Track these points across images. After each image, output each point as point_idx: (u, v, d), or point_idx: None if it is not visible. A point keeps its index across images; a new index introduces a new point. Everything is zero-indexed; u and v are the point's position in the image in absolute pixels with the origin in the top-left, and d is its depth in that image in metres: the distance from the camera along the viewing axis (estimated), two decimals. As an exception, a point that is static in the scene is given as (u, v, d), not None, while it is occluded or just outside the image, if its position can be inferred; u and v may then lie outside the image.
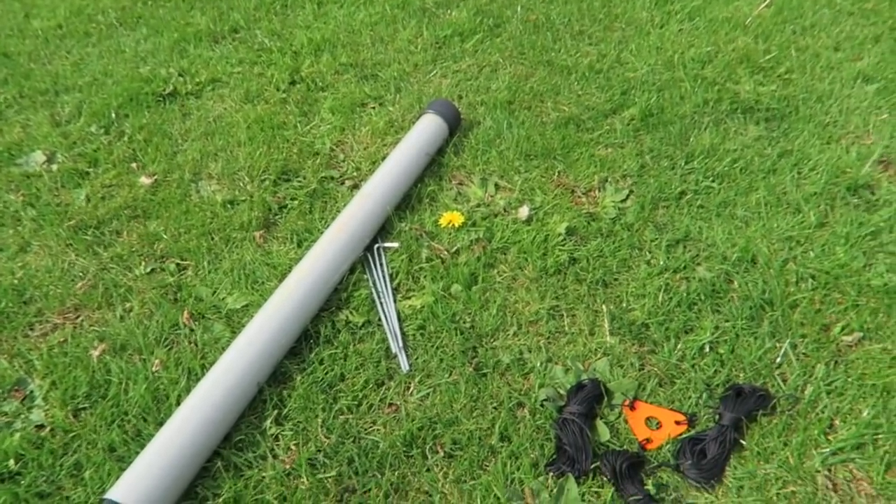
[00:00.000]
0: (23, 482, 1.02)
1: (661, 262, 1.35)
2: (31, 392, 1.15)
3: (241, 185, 1.55)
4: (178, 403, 1.10)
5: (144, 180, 1.56)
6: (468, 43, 2.03)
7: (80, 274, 1.35)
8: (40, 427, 1.10)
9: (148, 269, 1.36)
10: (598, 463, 1.03)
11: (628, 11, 2.16)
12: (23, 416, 1.12)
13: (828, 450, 1.05)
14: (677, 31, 2.05)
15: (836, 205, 1.47)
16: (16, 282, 1.34)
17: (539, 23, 2.12)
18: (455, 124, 1.65)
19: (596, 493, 1.01)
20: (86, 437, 1.08)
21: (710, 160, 1.58)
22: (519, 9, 2.18)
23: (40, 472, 1.04)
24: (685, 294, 1.28)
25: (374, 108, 1.80)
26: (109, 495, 0.94)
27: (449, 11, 2.20)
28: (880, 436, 1.07)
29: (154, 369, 1.17)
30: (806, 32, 2.04)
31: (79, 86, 1.91)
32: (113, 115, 1.78)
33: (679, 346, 1.20)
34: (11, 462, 1.04)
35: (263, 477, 1.03)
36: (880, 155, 1.58)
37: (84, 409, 1.12)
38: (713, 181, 1.53)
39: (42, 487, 1.02)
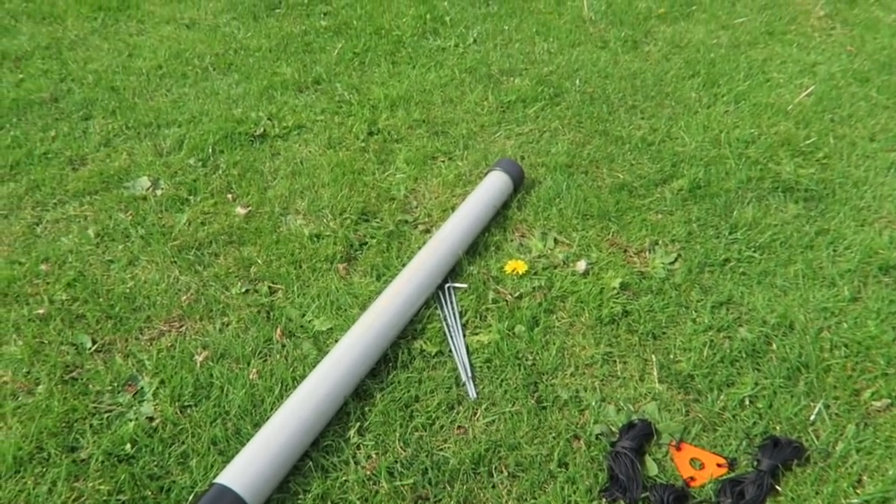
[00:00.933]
0: (137, 464, 1.16)
1: (706, 321, 1.48)
2: (142, 388, 1.30)
3: (325, 221, 1.72)
4: (273, 409, 1.25)
5: (240, 210, 1.74)
6: (530, 109, 2.22)
7: (184, 288, 1.52)
8: (151, 419, 1.25)
9: (243, 290, 1.52)
10: (647, 494, 1.15)
11: (678, 91, 2.34)
12: (135, 408, 1.27)
13: (856, 501, 1.16)
14: (723, 112, 2.22)
15: (869, 282, 1.60)
16: (127, 290, 1.51)
17: (595, 95, 2.30)
18: (519, 182, 1.82)
19: (644, 520, 1.12)
20: (191, 431, 1.22)
21: (753, 232, 1.72)
22: (577, 81, 2.38)
23: (151, 458, 1.18)
24: (728, 351, 1.41)
25: (444, 161, 1.98)
26: (219, 480, 1.07)
27: (512, 79, 2.40)
28: (905, 493, 1.17)
29: (251, 377, 1.32)
30: (844, 122, 2.20)
31: (178, 121, 2.12)
32: (210, 150, 1.98)
33: (721, 398, 1.32)
34: (128, 446, 1.19)
35: (347, 479, 1.16)
36: (911, 240, 1.71)
37: (189, 406, 1.27)
38: (755, 252, 1.67)
39: (154, 470, 1.16)
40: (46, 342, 1.39)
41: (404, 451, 1.21)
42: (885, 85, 2.41)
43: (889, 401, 1.33)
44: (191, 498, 1.12)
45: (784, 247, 1.69)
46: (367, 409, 1.27)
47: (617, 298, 1.52)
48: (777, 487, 1.18)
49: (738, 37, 2.75)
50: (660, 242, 1.69)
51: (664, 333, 1.46)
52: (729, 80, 2.41)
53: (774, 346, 1.43)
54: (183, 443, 1.21)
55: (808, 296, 1.56)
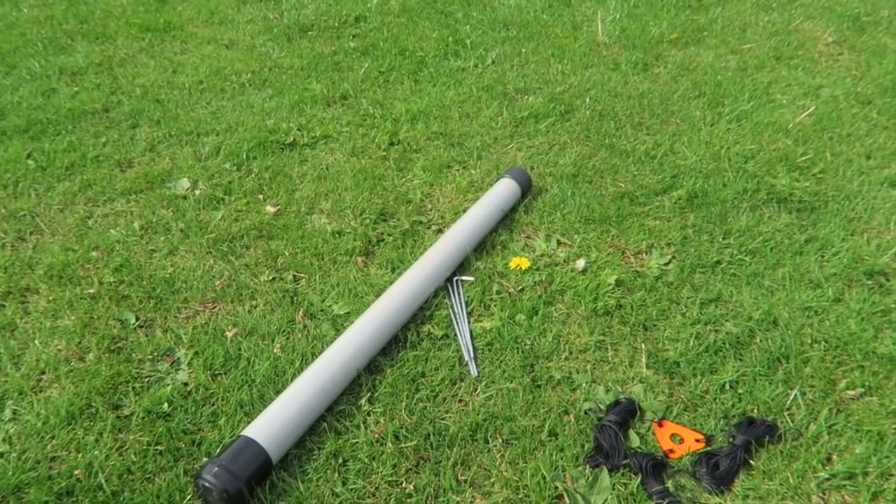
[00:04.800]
0: (173, 421, 1.31)
1: (695, 316, 1.59)
2: (178, 358, 1.46)
3: (347, 220, 1.88)
4: (293, 378, 1.39)
5: (270, 209, 1.90)
6: (541, 124, 2.37)
7: (218, 275, 1.68)
8: (185, 384, 1.40)
9: (270, 278, 1.68)
10: (627, 461, 1.26)
11: (683, 109, 2.47)
12: (171, 375, 1.42)
13: (823, 475, 1.26)
14: (725, 130, 2.35)
15: (853, 285, 1.70)
16: (167, 275, 1.67)
17: (604, 112, 2.44)
18: (527, 189, 1.96)
19: (624, 484, 1.23)
20: (221, 395, 1.37)
21: (745, 238, 1.83)
22: (588, 99, 2.52)
23: (185, 416, 1.33)
24: (713, 342, 1.52)
25: (458, 170, 2.13)
26: (245, 433, 1.22)
27: (527, 97, 2.56)
28: (869, 470, 1.27)
29: (275, 351, 1.47)
30: (842, 141, 2.30)
31: (216, 130, 2.31)
32: (244, 156, 2.16)
33: (704, 382, 1.43)
34: (165, 405, 1.34)
35: (357, 440, 1.30)
36: (898, 249, 1.81)
37: (220, 374, 1.42)
38: (746, 255, 1.78)
39: (187, 426, 1.31)
40: (96, 317, 1.56)
41: (409, 418, 1.34)
42: (887, 107, 2.51)
43: (862, 390, 1.43)
44: (219, 449, 1.26)
45: (774, 252, 1.80)
46: (377, 381, 1.41)
47: (612, 293, 1.64)
48: (750, 461, 1.28)
49: (746, 61, 2.87)
50: (656, 245, 1.81)
51: (654, 325, 1.58)
52: (733, 101, 2.53)
53: (758, 339, 1.54)
54: (213, 404, 1.36)
55: (794, 296, 1.66)
